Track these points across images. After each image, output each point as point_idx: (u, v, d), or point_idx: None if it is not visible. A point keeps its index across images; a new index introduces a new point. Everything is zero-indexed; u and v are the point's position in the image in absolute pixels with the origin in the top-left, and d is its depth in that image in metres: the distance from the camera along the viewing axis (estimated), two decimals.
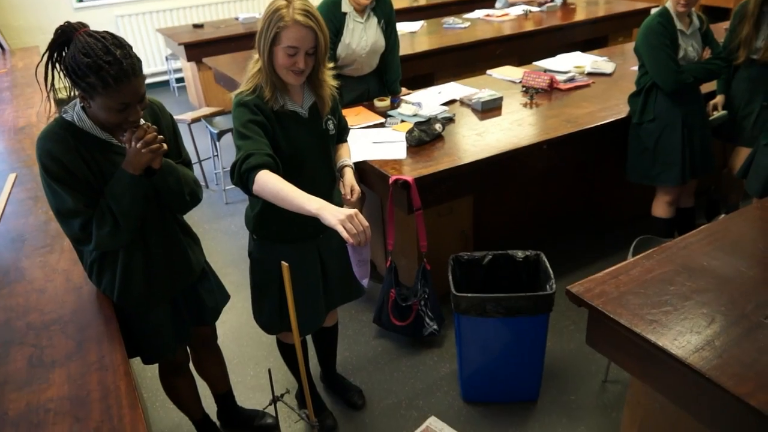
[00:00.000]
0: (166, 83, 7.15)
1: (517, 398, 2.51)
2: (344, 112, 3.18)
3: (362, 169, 2.83)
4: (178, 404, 2.26)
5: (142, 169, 1.63)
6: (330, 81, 1.96)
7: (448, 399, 2.55)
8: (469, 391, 2.52)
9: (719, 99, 3.18)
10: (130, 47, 1.56)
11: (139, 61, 1.56)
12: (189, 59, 5.48)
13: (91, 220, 1.63)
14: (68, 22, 1.55)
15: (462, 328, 2.35)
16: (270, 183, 1.69)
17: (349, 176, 2.10)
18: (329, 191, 2.05)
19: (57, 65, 1.56)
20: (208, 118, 4.34)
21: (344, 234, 1.56)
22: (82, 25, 1.54)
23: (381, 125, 3.12)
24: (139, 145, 1.57)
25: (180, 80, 6.89)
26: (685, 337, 1.46)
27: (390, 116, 3.19)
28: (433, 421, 2.44)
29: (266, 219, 2.02)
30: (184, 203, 1.81)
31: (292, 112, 1.90)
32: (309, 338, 2.59)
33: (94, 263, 1.80)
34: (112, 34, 1.54)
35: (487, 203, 3.19)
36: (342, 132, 2.18)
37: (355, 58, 3.21)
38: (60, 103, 1.68)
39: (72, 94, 1.60)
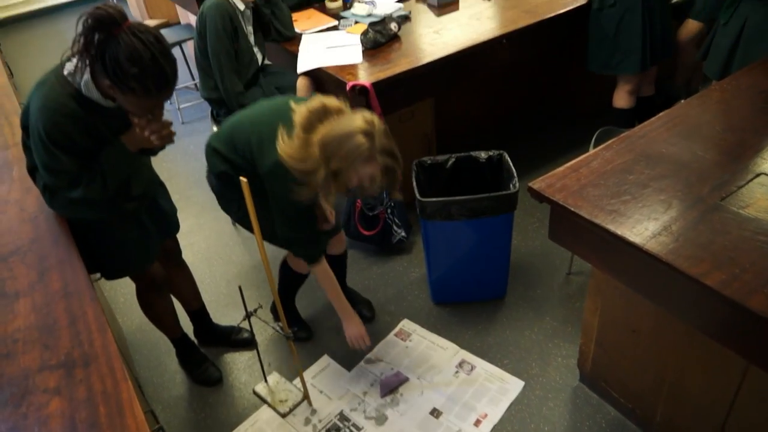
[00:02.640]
0: None
1: (485, 297, 2.59)
2: (294, 16, 3.03)
3: (318, 77, 2.73)
4: (157, 323, 2.27)
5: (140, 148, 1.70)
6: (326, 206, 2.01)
7: (419, 302, 2.62)
8: (439, 294, 2.59)
9: None
10: (170, 49, 1.53)
11: (176, 63, 1.54)
12: None
13: (80, 178, 1.65)
14: (106, 10, 1.43)
15: (429, 233, 2.38)
16: (324, 278, 2.08)
17: (323, 202, 2.02)
18: None
19: (89, 50, 1.45)
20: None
21: (348, 342, 2.19)
22: (123, 17, 1.45)
23: (334, 28, 2.99)
24: (153, 137, 1.62)
25: None
26: (642, 225, 1.49)
27: (343, 18, 3.04)
28: (406, 323, 2.52)
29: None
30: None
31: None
32: None
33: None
34: (157, 37, 1.48)
35: (448, 105, 3.13)
36: None
37: None
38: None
39: (82, 65, 1.51)
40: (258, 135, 1.87)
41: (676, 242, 1.43)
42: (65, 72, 1.57)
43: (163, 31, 4.11)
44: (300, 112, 1.77)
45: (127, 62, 1.43)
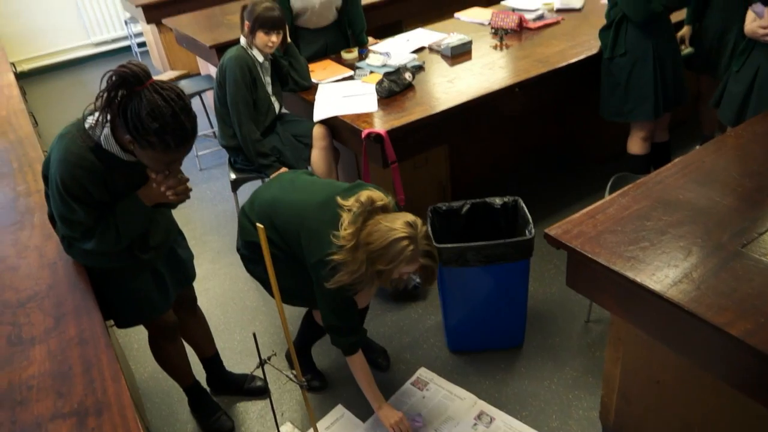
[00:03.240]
0: (127, 49, 6.90)
1: (502, 345, 2.54)
2: (311, 66, 3.11)
3: (334, 125, 2.77)
4: (169, 370, 2.25)
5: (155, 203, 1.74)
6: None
7: (435, 350, 2.58)
8: (455, 341, 2.55)
9: (686, 31, 3.15)
10: (191, 106, 1.56)
11: (196, 120, 1.58)
12: (148, 21, 5.26)
13: (94, 229, 1.68)
14: (131, 68, 1.48)
15: (444, 279, 2.36)
16: (359, 369, 2.11)
17: None
18: None
19: (112, 106, 1.50)
20: (174, 81, 4.20)
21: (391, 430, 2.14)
22: (147, 75, 1.49)
23: (350, 78, 3.05)
24: (169, 193, 1.66)
25: (142, 44, 6.65)
26: (663, 272, 1.47)
27: (358, 68, 3.11)
28: (422, 372, 2.47)
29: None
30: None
31: None
32: None
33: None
34: (178, 94, 1.52)
35: (463, 151, 3.16)
36: None
37: (308, 8, 3.12)
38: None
39: (103, 119, 1.55)
40: (307, 231, 1.93)
41: (698, 290, 1.40)
42: (86, 125, 1.61)
43: (184, 82, 4.24)
44: (346, 214, 1.85)
45: (148, 118, 1.46)
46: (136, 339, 2.81)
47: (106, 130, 1.58)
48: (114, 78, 1.47)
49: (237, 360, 2.63)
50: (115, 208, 1.68)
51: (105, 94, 1.49)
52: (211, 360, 2.42)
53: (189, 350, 2.30)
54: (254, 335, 1.78)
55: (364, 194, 1.84)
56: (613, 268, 1.51)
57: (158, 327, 2.07)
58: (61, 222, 1.70)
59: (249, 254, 2.14)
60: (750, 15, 2.47)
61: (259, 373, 2.46)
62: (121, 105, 1.49)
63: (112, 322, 1.96)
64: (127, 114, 1.48)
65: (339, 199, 1.89)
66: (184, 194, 1.70)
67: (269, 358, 2.03)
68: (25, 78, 6.23)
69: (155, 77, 1.54)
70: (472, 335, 2.51)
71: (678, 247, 1.55)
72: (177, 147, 1.53)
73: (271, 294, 2.06)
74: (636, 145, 3.08)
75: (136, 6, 5.14)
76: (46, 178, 1.70)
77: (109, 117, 1.53)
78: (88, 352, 1.53)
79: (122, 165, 1.64)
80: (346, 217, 1.83)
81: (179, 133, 1.51)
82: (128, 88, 1.47)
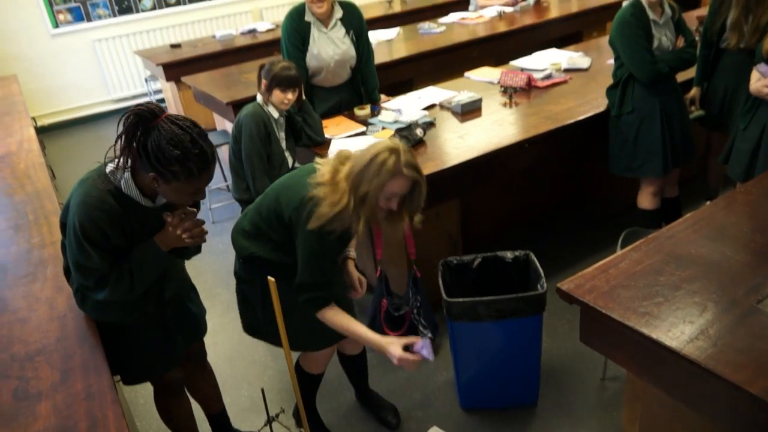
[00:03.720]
0: None
1: (516, 403, 2.48)
2: (325, 122, 3.18)
3: None
4: (174, 427, 2.21)
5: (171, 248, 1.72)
6: (401, 230, 1.99)
7: (447, 408, 2.52)
8: (468, 399, 2.50)
9: (695, 92, 3.20)
10: (206, 132, 1.61)
11: (213, 145, 1.61)
12: (168, 79, 5.44)
13: (108, 276, 1.67)
14: (146, 106, 1.54)
15: (456, 335, 2.33)
16: (337, 322, 1.92)
17: (352, 269, 2.14)
18: None
19: (131, 148, 1.55)
20: None
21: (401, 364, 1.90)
22: (161, 110, 1.55)
23: (363, 134, 3.11)
24: (185, 235, 1.67)
25: (161, 101, 6.85)
26: (678, 328, 1.45)
27: (371, 124, 3.17)
28: (435, 431, 2.41)
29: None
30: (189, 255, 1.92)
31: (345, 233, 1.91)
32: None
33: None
34: (193, 123, 1.57)
35: (473, 205, 3.18)
36: None
37: (323, 67, 3.22)
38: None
39: (124, 162, 1.59)
40: (284, 189, 1.93)
41: (715, 347, 1.37)
42: (107, 170, 1.64)
43: None
44: (324, 162, 1.88)
45: (169, 146, 1.49)
46: (142, 394, 2.77)
47: (127, 174, 1.62)
48: (131, 117, 1.52)
49: (244, 417, 2.58)
50: (131, 254, 1.68)
51: (124, 135, 1.53)
52: (218, 417, 2.37)
53: (194, 405, 2.26)
54: (262, 391, 1.76)
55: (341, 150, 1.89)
56: (627, 324, 1.49)
57: (164, 383, 2.05)
58: (76, 270, 1.69)
59: (244, 275, 2.09)
60: (755, 74, 2.52)
61: (266, 430, 2.40)
62: (140, 143, 1.52)
63: (119, 377, 1.94)
64: (147, 148, 1.51)
65: (316, 159, 1.93)
66: (200, 237, 1.70)
67: (277, 416, 2.00)
68: (45, 132, 6.41)
69: None
70: (484, 392, 2.46)
71: (693, 303, 1.53)
72: (200, 173, 1.55)
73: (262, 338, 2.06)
74: (646, 200, 3.09)
75: (157, 65, 5.33)
76: (63, 225, 1.71)
77: (129, 159, 1.57)
78: (95, 408, 1.51)
79: (140, 210, 1.66)
80: (323, 164, 1.87)
81: (201, 157, 1.53)
82: (145, 125, 1.51)
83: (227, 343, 3.05)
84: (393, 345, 1.89)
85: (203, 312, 2.13)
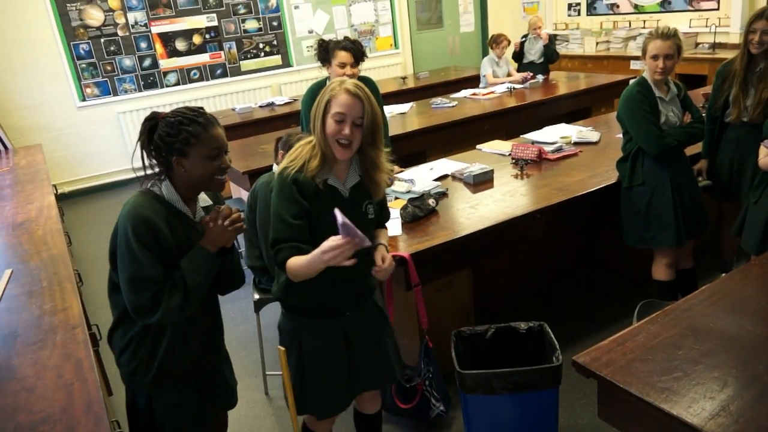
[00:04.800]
0: None
1: None
2: None
3: None
4: None
5: (219, 247, 1.80)
6: (386, 165, 1.99)
7: None
8: None
9: (702, 164, 3.25)
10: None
11: (215, 117, 1.81)
12: None
13: (162, 291, 1.70)
14: (152, 113, 1.77)
15: (469, 408, 2.27)
16: (295, 269, 1.82)
17: (381, 249, 2.06)
18: (360, 272, 2.00)
19: (149, 147, 1.75)
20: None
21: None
22: (157, 113, 1.77)
23: None
24: (226, 222, 1.77)
25: None
26: (699, 404, 1.40)
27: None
28: None
29: (290, 289, 2.00)
30: (239, 281, 1.98)
31: (332, 188, 1.93)
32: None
33: (134, 338, 1.83)
34: (187, 106, 1.79)
35: (486, 275, 3.16)
36: (382, 219, 2.19)
37: None
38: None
39: (152, 166, 1.78)
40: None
41: (737, 424, 1.33)
42: (147, 187, 1.77)
43: None
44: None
45: (171, 119, 1.71)
46: None
47: (165, 181, 1.75)
48: (141, 128, 1.75)
49: None
50: (181, 263, 1.73)
51: (139, 143, 1.76)
52: None
53: None
54: None
55: None
56: (647, 399, 1.45)
57: None
58: (129, 286, 1.69)
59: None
60: (763, 150, 2.56)
61: None
62: (153, 140, 1.73)
63: None
64: (160, 137, 1.72)
65: None
66: (238, 222, 1.79)
67: None
68: (65, 199, 6.56)
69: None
70: None
71: (713, 378, 1.49)
72: (206, 129, 1.72)
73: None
74: (660, 271, 3.06)
75: None
76: (112, 254, 1.76)
77: (156, 163, 1.75)
78: None
79: (183, 221, 1.78)
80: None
81: (201, 115, 1.73)
82: (151, 126, 1.74)
83: (234, 413, 2.96)
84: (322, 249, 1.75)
85: (236, 383, 2.13)
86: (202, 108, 1.78)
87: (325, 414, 2.09)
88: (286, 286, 1.99)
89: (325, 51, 3.29)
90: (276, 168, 2.94)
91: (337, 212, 1.65)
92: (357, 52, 3.25)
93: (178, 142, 1.69)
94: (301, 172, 1.87)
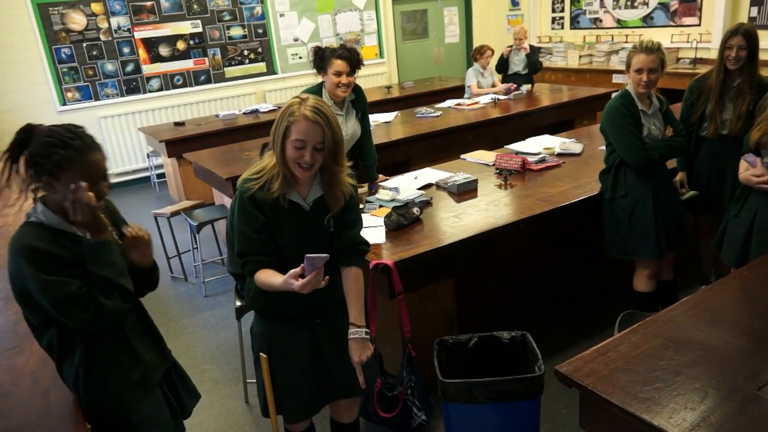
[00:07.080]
0: (147, 179, 7.22)
1: None
2: None
3: None
4: None
5: (96, 228, 1.64)
6: (345, 180, 1.98)
7: None
8: None
9: (681, 176, 3.30)
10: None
11: (96, 141, 1.65)
12: (170, 155, 5.56)
13: (91, 300, 1.61)
14: (28, 125, 1.61)
15: (451, 417, 2.26)
16: (265, 286, 1.88)
17: (356, 347, 1.97)
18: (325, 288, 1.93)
19: (18, 162, 1.60)
20: (188, 211, 4.34)
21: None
22: (37, 125, 1.61)
23: (360, 211, 3.14)
24: (70, 198, 1.57)
25: (161, 176, 6.96)
26: (680, 415, 1.42)
27: (368, 202, 3.22)
28: None
29: (260, 296, 2.01)
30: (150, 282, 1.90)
31: (294, 203, 1.93)
32: None
33: (80, 368, 1.73)
34: (67, 124, 1.63)
35: (470, 284, 3.17)
36: (349, 245, 2.04)
37: None
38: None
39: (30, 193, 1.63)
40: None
41: None
42: (26, 218, 1.65)
43: (198, 211, 4.37)
44: None
45: (45, 138, 1.56)
46: None
47: (39, 206, 1.63)
48: (14, 139, 1.59)
49: None
50: (89, 270, 1.63)
51: (7, 155, 1.59)
52: None
53: None
54: None
55: None
56: (628, 410, 1.46)
57: None
58: (60, 312, 1.59)
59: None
60: (743, 164, 2.60)
61: None
62: (25, 160, 1.58)
63: None
64: (30, 153, 1.56)
65: None
66: (79, 191, 1.56)
67: None
68: None
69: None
70: None
71: (693, 389, 1.50)
72: (84, 150, 1.58)
73: None
74: (641, 282, 3.09)
75: (160, 141, 5.46)
76: (21, 298, 1.64)
77: (30, 185, 1.60)
78: None
79: (72, 237, 1.64)
80: None
81: (78, 137, 1.58)
82: (24, 138, 1.58)
83: (212, 422, 2.94)
84: (290, 278, 1.78)
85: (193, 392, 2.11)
86: (82, 128, 1.63)
87: (292, 418, 2.10)
88: (255, 293, 2.00)
89: (320, 59, 3.20)
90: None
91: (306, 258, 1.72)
92: (353, 61, 3.16)
93: (48, 164, 1.54)
94: (261, 190, 1.89)
